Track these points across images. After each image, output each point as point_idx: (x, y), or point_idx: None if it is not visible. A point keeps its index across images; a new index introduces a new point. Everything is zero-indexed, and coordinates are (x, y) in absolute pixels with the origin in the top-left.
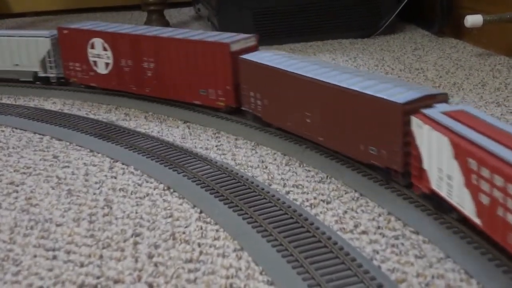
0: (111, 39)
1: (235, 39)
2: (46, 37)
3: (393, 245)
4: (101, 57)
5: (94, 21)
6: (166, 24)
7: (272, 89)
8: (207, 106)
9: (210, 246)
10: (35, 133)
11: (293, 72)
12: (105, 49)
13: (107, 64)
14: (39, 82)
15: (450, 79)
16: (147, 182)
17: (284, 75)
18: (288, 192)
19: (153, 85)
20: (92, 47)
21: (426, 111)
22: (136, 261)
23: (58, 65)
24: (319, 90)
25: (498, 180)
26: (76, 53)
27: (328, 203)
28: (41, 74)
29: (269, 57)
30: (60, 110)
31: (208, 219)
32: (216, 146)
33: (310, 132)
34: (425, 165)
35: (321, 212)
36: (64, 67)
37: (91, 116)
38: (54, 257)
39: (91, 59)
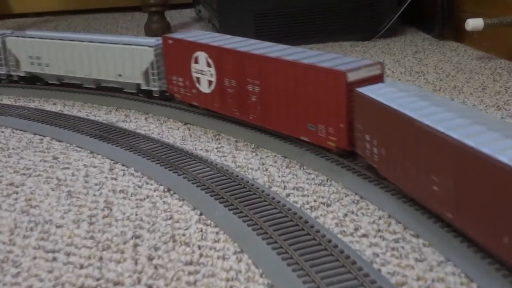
0: (215, 54)
1: (355, 66)
2: (150, 46)
3: (393, 248)
4: (204, 74)
5: (201, 31)
6: (167, 25)
7: (392, 137)
8: (315, 144)
9: (210, 249)
10: (35, 134)
11: (419, 121)
12: (208, 65)
13: (210, 82)
14: (141, 95)
15: (450, 82)
16: (147, 184)
17: (407, 122)
18: (288, 195)
19: (258, 112)
20: (196, 61)
21: None
22: (136, 263)
23: (161, 78)
24: (453, 151)
25: None
26: (180, 66)
27: (328, 205)
28: (144, 87)
29: (393, 93)
30: (60, 111)
31: (208, 221)
32: (217, 148)
33: (435, 203)
34: None
35: (321, 215)
36: (168, 80)
37: (92, 118)
38: (54, 259)
39: (194, 75)
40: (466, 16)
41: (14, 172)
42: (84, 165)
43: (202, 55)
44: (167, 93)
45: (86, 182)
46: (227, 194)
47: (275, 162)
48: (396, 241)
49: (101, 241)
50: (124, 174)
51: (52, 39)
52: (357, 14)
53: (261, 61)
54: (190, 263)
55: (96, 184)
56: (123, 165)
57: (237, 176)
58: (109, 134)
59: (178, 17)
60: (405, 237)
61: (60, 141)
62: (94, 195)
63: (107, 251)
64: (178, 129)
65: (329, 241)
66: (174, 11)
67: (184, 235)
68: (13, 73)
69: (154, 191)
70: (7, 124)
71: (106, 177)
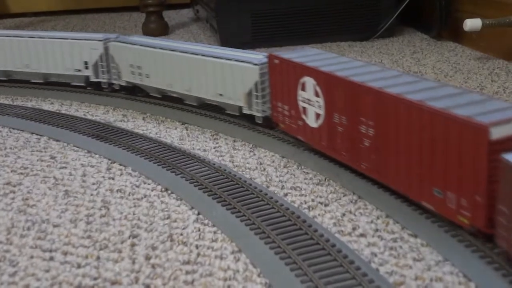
0: (324, 82)
1: (504, 118)
2: (255, 64)
3: (391, 248)
4: (311, 104)
5: (316, 50)
6: (165, 25)
7: None
8: (442, 215)
9: (208, 248)
10: (32, 133)
11: None
12: (316, 94)
13: (317, 115)
14: (242, 118)
15: (448, 82)
16: (144, 183)
17: None
18: (286, 194)
19: (371, 160)
20: (303, 88)
21: None
22: (134, 262)
23: (266, 102)
24: None
25: None
26: (286, 91)
27: (326, 205)
28: (246, 111)
29: None
30: (57, 111)
31: (206, 221)
32: (214, 147)
33: None
34: None
35: (319, 215)
36: (273, 106)
37: (89, 117)
38: (51, 258)
39: (301, 104)
40: (464, 17)
41: (11, 171)
42: (82, 164)
43: (309, 82)
44: (270, 121)
45: (84, 181)
46: (225, 194)
47: (273, 161)
48: (394, 240)
49: (98, 241)
50: (121, 174)
51: (154, 47)
52: (355, 14)
53: (377, 97)
54: (188, 262)
55: (93, 184)
56: (120, 165)
57: (235, 175)
58: (106, 134)
59: (175, 17)
60: (403, 236)
61: (57, 140)
62: (92, 195)
63: (104, 251)
64: (175, 128)
65: (327, 240)
66: (172, 11)
67: (181, 234)
68: (114, 82)
69: (152, 190)
70: (4, 123)
71: (103, 177)
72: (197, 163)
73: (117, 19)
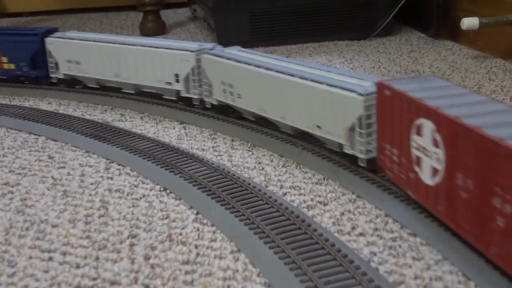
0: (446, 129)
1: None
2: (360, 94)
3: (390, 247)
4: (427, 155)
5: (438, 80)
6: (162, 25)
7: None
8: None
9: (207, 248)
10: (30, 133)
11: None
12: (435, 144)
13: (435, 171)
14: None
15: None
16: (143, 183)
17: None
18: (285, 194)
19: (505, 247)
20: (418, 132)
21: None
22: (133, 262)
23: (372, 141)
24: None
25: None
26: (396, 132)
27: (325, 204)
28: (348, 150)
29: None
30: (55, 111)
31: (205, 221)
32: (213, 147)
33: None
34: None
35: (318, 214)
36: (379, 148)
37: (87, 117)
38: (50, 259)
39: (414, 151)
40: (462, 15)
41: (9, 171)
42: (80, 164)
43: (427, 126)
44: (377, 164)
45: (82, 181)
46: (223, 193)
47: (272, 161)
48: (393, 240)
49: (97, 241)
50: (120, 174)
51: (247, 63)
52: (352, 13)
53: None
54: (187, 262)
55: (92, 184)
56: (119, 165)
57: (234, 175)
58: (104, 134)
59: (173, 16)
60: (402, 236)
61: (55, 140)
62: (90, 195)
63: (103, 251)
64: (174, 128)
65: (326, 240)
66: (169, 10)
67: (180, 234)
68: (206, 99)
69: (150, 190)
70: (2, 123)
71: (102, 177)
72: (195, 162)
73: (114, 18)
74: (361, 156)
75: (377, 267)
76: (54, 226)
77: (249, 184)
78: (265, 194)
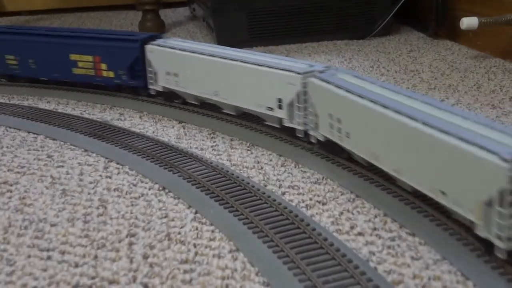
0: None
1: None
2: (504, 160)
3: (389, 247)
4: None
5: None
6: (161, 24)
7: None
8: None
9: (206, 247)
10: (29, 132)
11: None
12: None
13: None
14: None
15: (445, 81)
16: (142, 182)
17: None
18: (283, 193)
19: None
20: None
21: None
22: (131, 261)
23: None
24: None
25: None
26: None
27: (324, 204)
28: (481, 232)
29: None
30: (54, 110)
31: (204, 220)
32: (212, 146)
33: None
34: None
35: (317, 213)
36: None
37: (86, 116)
38: (49, 257)
39: None
40: (461, 15)
41: (8, 170)
42: (79, 163)
43: None
44: None
45: (81, 180)
46: (222, 193)
47: (270, 160)
48: (392, 239)
49: (96, 240)
50: (118, 173)
51: (361, 96)
52: (351, 13)
53: None
54: (186, 261)
55: (90, 183)
56: (117, 164)
57: (232, 174)
58: (103, 133)
59: (172, 15)
60: (401, 235)
61: (54, 139)
62: (89, 194)
63: (102, 250)
64: (173, 127)
65: (325, 239)
66: (168, 10)
67: (179, 233)
68: (311, 133)
69: (149, 189)
70: (1, 122)
71: (100, 175)
72: (194, 162)
73: (113, 17)
74: (500, 245)
75: (376, 266)
76: (52, 225)
77: (248, 183)
78: (264, 193)
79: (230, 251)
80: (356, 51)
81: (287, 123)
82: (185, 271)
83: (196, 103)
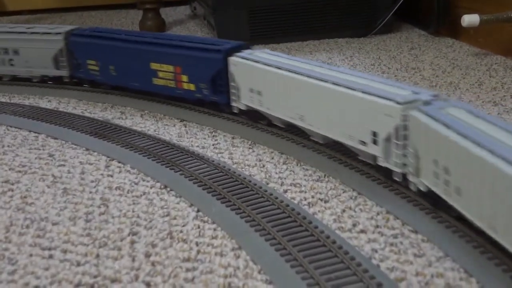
0: None
1: None
2: None
3: (392, 244)
4: None
5: None
6: (162, 22)
7: None
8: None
9: (208, 245)
10: (30, 131)
11: None
12: None
13: None
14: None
15: (446, 78)
16: (143, 180)
17: None
18: (285, 191)
19: None
20: None
21: None
22: (133, 260)
23: None
24: None
25: None
26: None
27: (326, 202)
28: None
29: None
30: (55, 109)
31: (206, 218)
32: (213, 144)
33: None
34: None
35: (319, 211)
36: None
37: (87, 115)
38: (51, 256)
39: None
40: (462, 12)
41: (9, 169)
42: (80, 162)
43: None
44: None
45: (82, 179)
46: (224, 191)
47: (272, 158)
48: (395, 236)
49: (97, 238)
50: (120, 171)
51: (464, 136)
52: (352, 10)
53: None
54: (188, 259)
55: (92, 181)
56: (119, 162)
57: (234, 172)
58: (104, 131)
59: (173, 14)
60: (404, 232)
61: (55, 138)
62: (90, 192)
63: (104, 248)
64: (174, 126)
65: (328, 237)
66: (169, 8)
67: (181, 231)
68: (410, 179)
69: (151, 188)
70: (2, 121)
71: (102, 174)
72: (196, 160)
73: (114, 16)
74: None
75: (379, 264)
76: (54, 224)
77: (250, 181)
78: (266, 191)
79: (233, 249)
80: (357, 49)
81: (381, 162)
82: (187, 270)
83: (282, 126)
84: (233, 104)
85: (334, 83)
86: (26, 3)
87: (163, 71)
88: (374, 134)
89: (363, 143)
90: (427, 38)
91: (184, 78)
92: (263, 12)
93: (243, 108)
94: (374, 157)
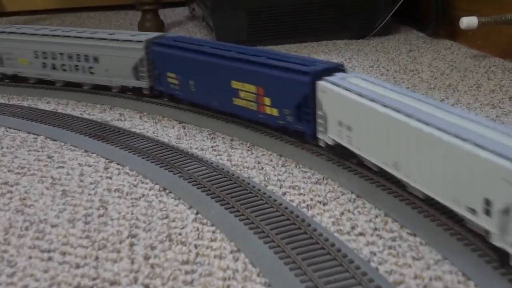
0: None
1: None
2: None
3: (390, 247)
4: None
5: None
6: (161, 24)
7: None
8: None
9: (207, 248)
10: (29, 133)
11: None
12: None
13: None
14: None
15: (445, 80)
16: (142, 183)
17: None
18: (284, 193)
19: None
20: None
21: None
22: (132, 262)
23: None
24: None
25: None
26: None
27: (324, 204)
28: None
29: None
30: (54, 110)
31: (205, 220)
32: (212, 146)
33: None
34: None
35: (317, 214)
36: None
37: (86, 116)
38: (50, 259)
39: None
40: (460, 14)
41: (8, 171)
42: (79, 164)
43: None
44: None
45: (81, 181)
46: (223, 193)
47: (271, 160)
48: (393, 239)
49: (96, 241)
50: (119, 173)
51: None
52: (351, 12)
53: None
54: (187, 262)
55: (91, 183)
56: (118, 164)
57: (233, 174)
58: (103, 133)
59: (171, 15)
60: (402, 235)
61: (54, 140)
62: (89, 194)
63: (103, 251)
64: (173, 127)
65: (326, 240)
66: (168, 10)
67: (180, 234)
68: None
69: (150, 190)
70: (1, 123)
71: (101, 176)
72: (195, 162)
73: (112, 17)
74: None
75: (377, 266)
76: (53, 226)
77: (249, 183)
78: (264, 193)
79: (231, 252)
80: (355, 51)
81: (497, 242)
82: (186, 272)
83: (375, 169)
84: (320, 136)
85: (438, 129)
86: (25, 4)
87: (244, 91)
88: (487, 202)
89: (472, 211)
90: (425, 40)
91: (267, 101)
92: (262, 13)
93: (330, 142)
94: (486, 231)
